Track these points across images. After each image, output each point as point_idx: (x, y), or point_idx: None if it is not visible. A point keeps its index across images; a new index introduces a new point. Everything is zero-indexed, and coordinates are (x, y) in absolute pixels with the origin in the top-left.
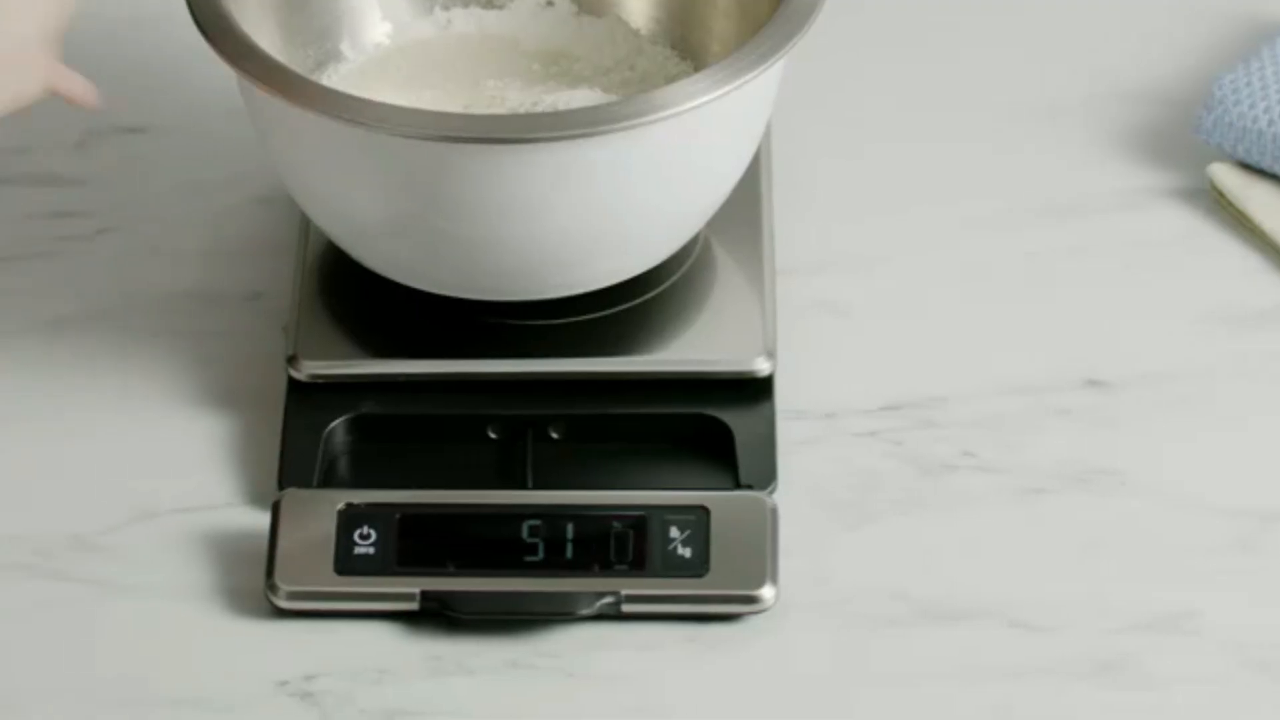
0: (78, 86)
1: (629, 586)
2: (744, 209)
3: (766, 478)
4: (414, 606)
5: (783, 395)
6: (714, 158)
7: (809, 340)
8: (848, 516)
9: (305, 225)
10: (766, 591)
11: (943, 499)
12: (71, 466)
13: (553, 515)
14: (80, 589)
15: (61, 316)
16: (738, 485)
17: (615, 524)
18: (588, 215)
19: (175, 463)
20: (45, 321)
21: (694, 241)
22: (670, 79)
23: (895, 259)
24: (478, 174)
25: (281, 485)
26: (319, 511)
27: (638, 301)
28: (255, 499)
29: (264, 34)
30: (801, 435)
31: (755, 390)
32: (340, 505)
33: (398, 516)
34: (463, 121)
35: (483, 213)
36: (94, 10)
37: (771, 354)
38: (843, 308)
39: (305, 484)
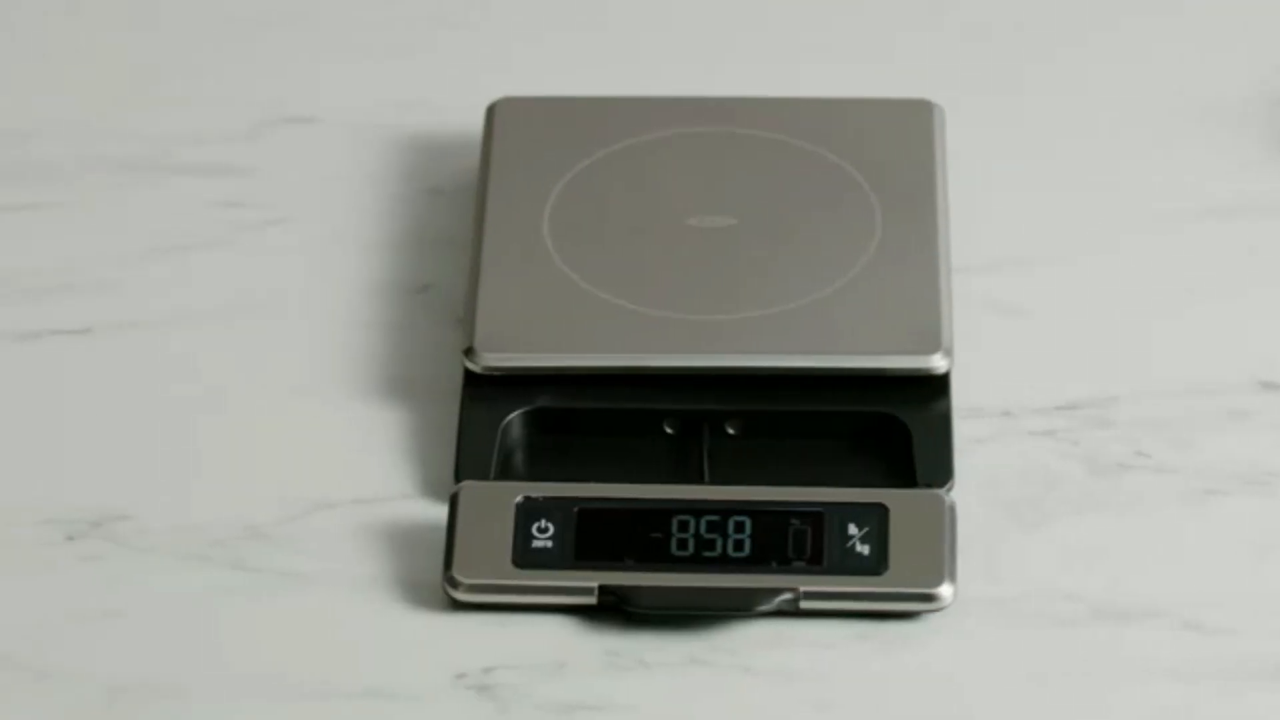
0: None
1: (807, 583)
2: (918, 206)
3: (943, 476)
4: (592, 600)
5: (958, 393)
6: None
7: (983, 338)
8: (1023, 515)
9: (479, 216)
10: (944, 590)
11: (1117, 499)
12: (247, 457)
13: (731, 511)
14: (258, 579)
15: (234, 306)
16: (914, 483)
17: (794, 521)
18: None
19: (350, 454)
20: (218, 311)
21: (869, 237)
22: None
23: (1068, 258)
24: None
25: (458, 478)
26: (497, 504)
27: (814, 298)
28: (431, 491)
29: None
30: (977, 433)
31: (932, 388)
32: (518, 498)
33: (576, 510)
34: None
35: None
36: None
37: (949, 351)
38: (1017, 306)
39: (482, 476)
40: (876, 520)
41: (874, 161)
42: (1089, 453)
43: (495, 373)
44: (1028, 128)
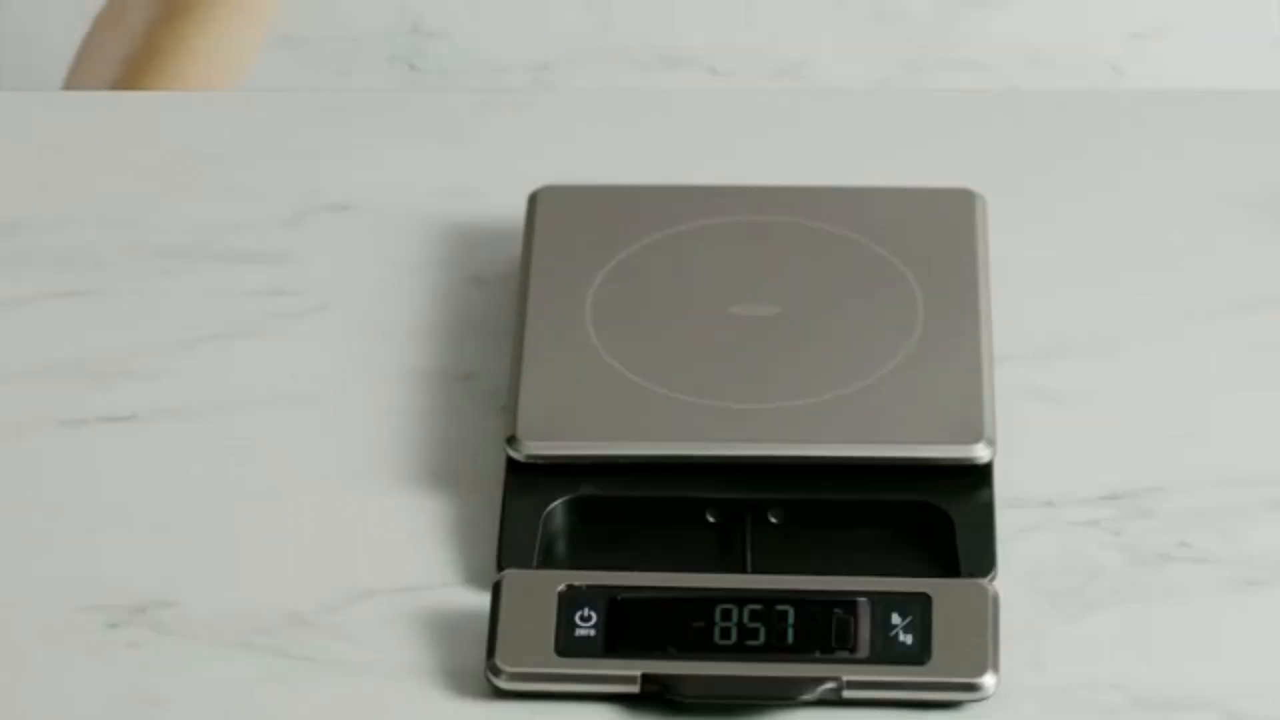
0: None
1: (850, 672)
2: (961, 294)
3: (986, 565)
4: (635, 689)
5: (1000, 482)
6: None
7: (1026, 427)
8: (1066, 605)
9: (522, 304)
10: (988, 679)
11: (1160, 589)
12: (290, 545)
13: (774, 600)
14: (300, 667)
15: (276, 394)
16: (958, 572)
17: (837, 610)
18: None
19: (393, 542)
20: (260, 399)
21: (911, 327)
22: None
23: (1112, 348)
24: None
25: (500, 566)
26: (540, 593)
27: (856, 387)
28: (473, 579)
29: None
30: (1020, 523)
31: (975, 477)
32: (561, 587)
33: (619, 599)
34: None
35: None
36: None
37: (991, 441)
38: (1059, 395)
39: (525, 565)
40: (920, 609)
41: (916, 250)
42: (1131, 542)
43: (538, 461)
44: (1068, 215)
